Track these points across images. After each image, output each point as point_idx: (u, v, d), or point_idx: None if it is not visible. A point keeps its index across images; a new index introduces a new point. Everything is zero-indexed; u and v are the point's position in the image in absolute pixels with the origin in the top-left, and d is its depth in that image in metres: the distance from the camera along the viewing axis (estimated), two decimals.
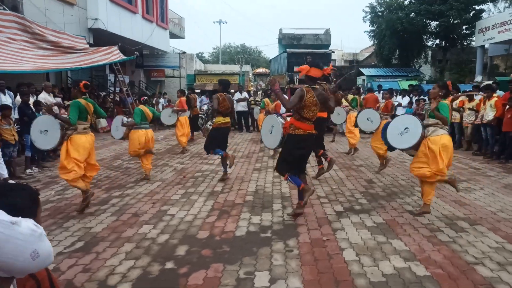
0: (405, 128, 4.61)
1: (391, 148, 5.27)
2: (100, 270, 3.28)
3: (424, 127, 4.53)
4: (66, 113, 9.29)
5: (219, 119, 6.34)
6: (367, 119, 7.25)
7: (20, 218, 1.13)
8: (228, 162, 6.44)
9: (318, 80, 4.53)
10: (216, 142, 6.38)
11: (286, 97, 4.80)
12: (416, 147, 4.56)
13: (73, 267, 3.34)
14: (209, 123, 6.63)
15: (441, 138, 4.45)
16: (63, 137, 4.81)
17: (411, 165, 4.70)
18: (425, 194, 4.65)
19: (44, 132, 4.95)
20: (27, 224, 1.13)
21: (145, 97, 7.37)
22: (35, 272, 1.25)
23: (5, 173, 5.83)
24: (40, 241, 1.15)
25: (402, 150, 4.94)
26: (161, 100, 15.58)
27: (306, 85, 4.41)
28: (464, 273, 3.19)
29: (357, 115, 7.64)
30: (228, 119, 6.48)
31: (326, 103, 4.54)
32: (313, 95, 4.31)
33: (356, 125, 7.68)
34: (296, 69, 5.27)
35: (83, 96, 4.92)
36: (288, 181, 4.51)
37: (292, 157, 4.45)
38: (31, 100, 7.73)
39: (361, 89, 16.03)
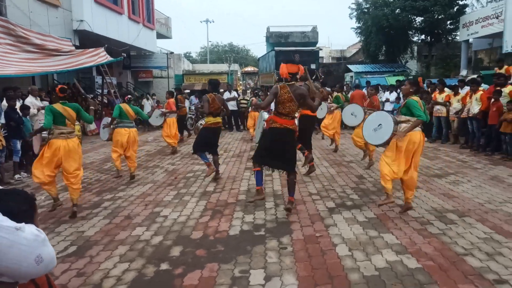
0: (379, 125, 4.63)
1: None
2: (95, 273, 3.27)
3: (397, 123, 4.50)
4: None
5: (210, 119, 6.34)
6: (351, 114, 7.48)
7: (23, 223, 1.14)
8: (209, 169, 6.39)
9: (295, 75, 4.63)
10: (205, 142, 6.37)
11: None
12: (388, 143, 4.56)
13: (67, 271, 3.32)
14: (201, 122, 6.61)
15: (410, 135, 4.37)
16: (44, 140, 4.89)
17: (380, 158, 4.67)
18: (405, 193, 4.60)
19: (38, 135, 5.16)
20: (30, 230, 1.14)
21: (129, 96, 7.34)
22: (38, 277, 1.26)
23: None
24: (44, 246, 1.16)
25: (376, 146, 4.98)
26: (149, 101, 15.53)
27: (282, 83, 4.57)
28: (454, 264, 3.27)
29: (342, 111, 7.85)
30: (219, 119, 6.47)
31: (304, 99, 4.58)
32: (288, 91, 4.43)
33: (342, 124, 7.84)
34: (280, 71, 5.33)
35: (60, 101, 4.86)
36: (253, 174, 4.70)
37: (266, 148, 4.58)
38: (18, 104, 7.61)
39: (349, 85, 16.18)
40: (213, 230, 4.21)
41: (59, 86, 4.98)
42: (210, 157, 6.48)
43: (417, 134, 4.42)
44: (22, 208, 1.40)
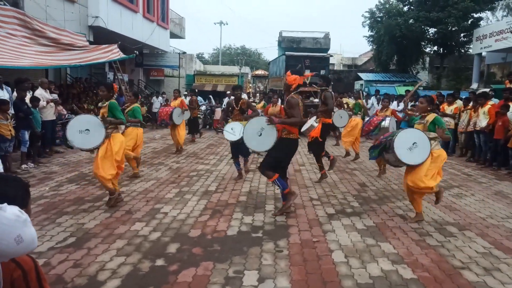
0: (414, 143, 4.46)
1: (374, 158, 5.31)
2: (91, 265, 3.32)
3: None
4: (63, 109, 9.32)
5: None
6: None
7: (5, 204, 1.17)
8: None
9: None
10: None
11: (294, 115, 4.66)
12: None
13: (64, 262, 3.37)
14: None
15: (442, 151, 4.63)
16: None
17: (419, 180, 4.47)
18: (417, 204, 4.67)
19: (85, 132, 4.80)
20: (12, 210, 1.18)
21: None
22: (18, 256, 1.29)
23: (0, 168, 5.84)
24: (25, 226, 1.19)
25: (409, 165, 4.63)
26: (159, 99, 15.69)
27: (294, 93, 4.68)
28: (450, 277, 3.24)
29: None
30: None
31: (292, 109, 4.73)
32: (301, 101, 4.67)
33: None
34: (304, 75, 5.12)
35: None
36: (273, 184, 4.74)
37: (283, 159, 4.72)
38: (28, 96, 7.73)
39: (362, 93, 16.12)
40: (211, 230, 4.23)
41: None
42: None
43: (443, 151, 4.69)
44: (18, 193, 1.45)
